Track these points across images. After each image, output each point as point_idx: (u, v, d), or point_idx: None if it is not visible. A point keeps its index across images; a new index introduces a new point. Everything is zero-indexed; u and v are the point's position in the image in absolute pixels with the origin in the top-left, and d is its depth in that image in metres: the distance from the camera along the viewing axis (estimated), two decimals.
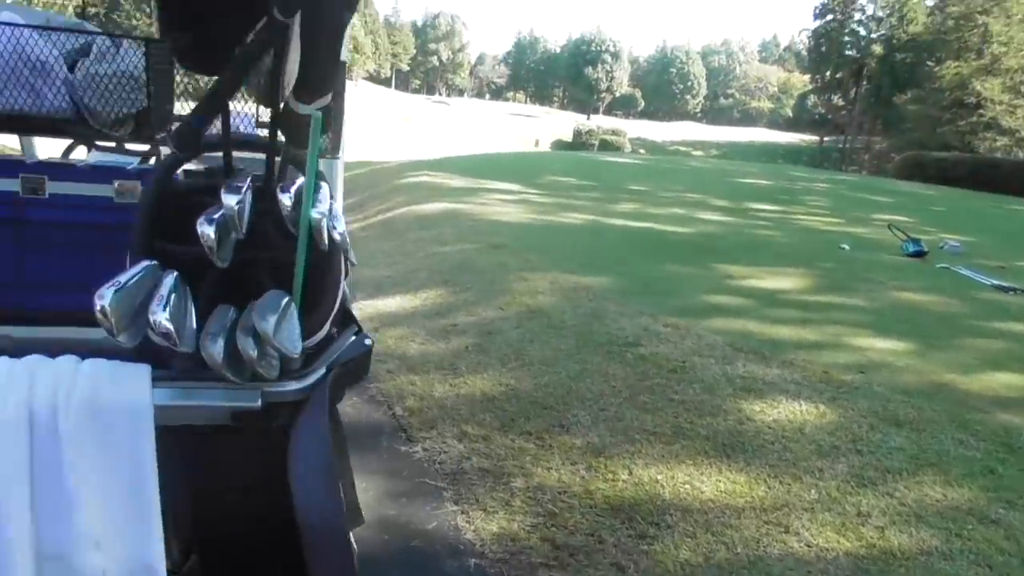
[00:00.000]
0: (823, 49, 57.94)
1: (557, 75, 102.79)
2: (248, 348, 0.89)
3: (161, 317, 0.84)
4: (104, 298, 0.83)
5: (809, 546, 2.62)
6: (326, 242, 0.97)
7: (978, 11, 38.27)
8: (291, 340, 0.91)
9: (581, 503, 2.88)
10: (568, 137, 54.52)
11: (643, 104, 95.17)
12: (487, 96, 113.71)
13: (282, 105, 0.96)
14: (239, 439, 1.17)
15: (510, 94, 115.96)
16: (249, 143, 1.08)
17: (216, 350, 0.88)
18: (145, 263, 0.92)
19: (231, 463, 1.25)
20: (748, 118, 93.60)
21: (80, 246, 1.56)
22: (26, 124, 1.48)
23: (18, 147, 3.25)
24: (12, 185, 1.52)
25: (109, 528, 0.92)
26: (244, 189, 0.90)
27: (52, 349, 1.00)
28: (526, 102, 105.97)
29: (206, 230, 0.84)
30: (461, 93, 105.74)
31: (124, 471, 0.91)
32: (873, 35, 54.89)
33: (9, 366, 0.90)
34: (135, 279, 0.88)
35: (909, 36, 49.84)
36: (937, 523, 2.79)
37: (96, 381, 0.91)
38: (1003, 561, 2.58)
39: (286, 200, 0.92)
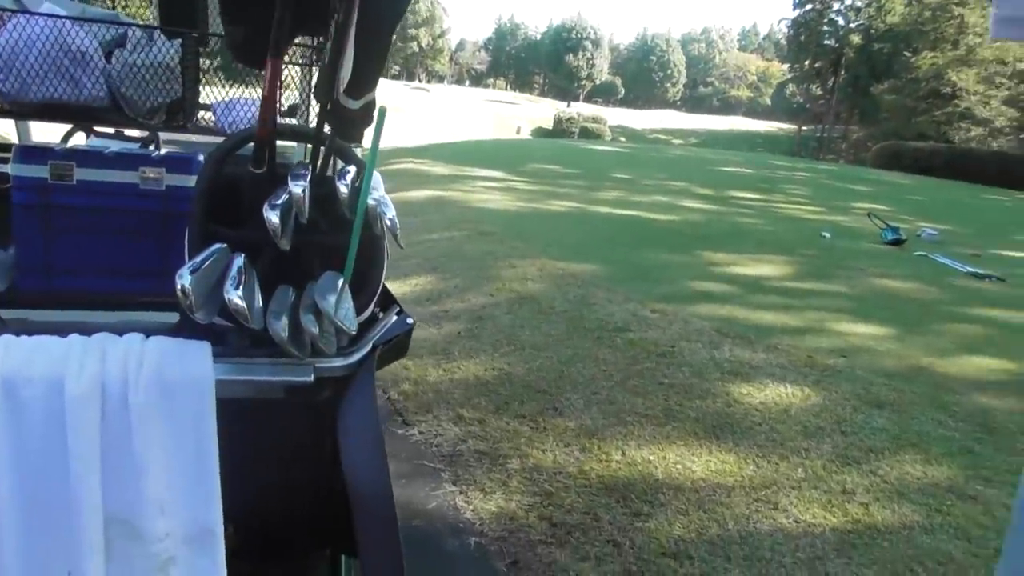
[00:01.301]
0: (802, 38, 58.14)
1: (537, 62, 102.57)
2: (310, 325, 0.95)
3: (235, 296, 0.90)
4: (183, 278, 0.89)
5: (797, 522, 2.73)
6: (380, 227, 1.04)
7: (954, 2, 38.66)
8: (348, 318, 0.98)
9: (576, 483, 2.96)
10: (549, 124, 54.45)
11: (623, 92, 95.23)
12: (467, 83, 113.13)
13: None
14: (279, 413, 1.23)
15: (490, 81, 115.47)
16: (298, 134, 1.13)
17: (281, 327, 0.94)
18: (217, 245, 0.97)
19: (270, 436, 1.31)
20: (727, 106, 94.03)
21: (106, 231, 1.60)
22: (64, 112, 1.52)
23: (7, 134, 3.26)
24: (41, 172, 1.55)
25: (173, 494, 0.97)
26: (307, 177, 0.96)
27: (77, 331, 1.05)
28: (507, 89, 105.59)
29: (271, 216, 0.89)
30: (441, 79, 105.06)
31: (187, 441, 0.97)
32: (851, 25, 55.21)
33: (83, 343, 0.95)
34: (209, 260, 0.94)
35: (887, 26, 50.13)
36: (918, 499, 2.91)
37: (163, 356, 0.96)
38: (981, 535, 2.70)
39: (343, 188, 0.99)
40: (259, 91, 1.78)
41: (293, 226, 0.94)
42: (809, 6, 57.45)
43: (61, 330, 1.00)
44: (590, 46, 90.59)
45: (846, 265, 7.21)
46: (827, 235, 9.00)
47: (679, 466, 3.09)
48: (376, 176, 1.06)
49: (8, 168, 1.57)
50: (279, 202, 0.92)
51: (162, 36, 1.53)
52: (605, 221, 8.91)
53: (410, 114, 47.86)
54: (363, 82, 0.95)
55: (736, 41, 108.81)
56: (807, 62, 59.04)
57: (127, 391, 0.94)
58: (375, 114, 0.97)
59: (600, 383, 3.86)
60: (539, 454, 3.17)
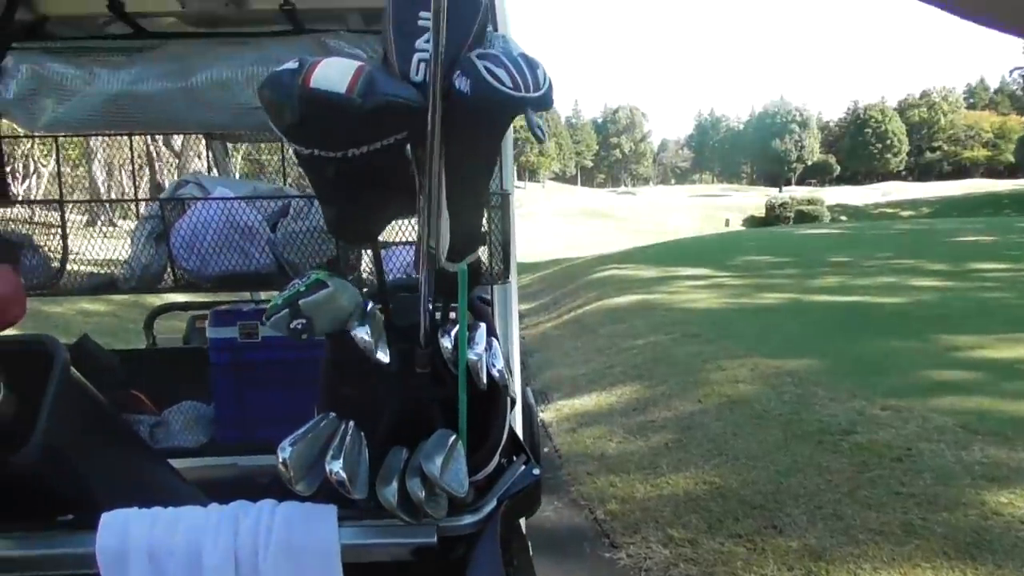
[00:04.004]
0: None
1: (743, 151, 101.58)
2: (416, 490, 0.94)
3: (336, 466, 0.92)
4: (284, 451, 0.92)
5: None
6: (484, 381, 1.02)
7: None
8: (457, 480, 0.95)
9: None
10: (760, 212, 52.85)
11: (839, 169, 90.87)
12: (672, 181, 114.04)
13: None
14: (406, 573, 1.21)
15: (696, 176, 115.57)
16: (408, 288, 1.17)
17: (390, 494, 0.94)
18: (323, 415, 1.01)
19: None
20: (960, 170, 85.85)
21: (289, 381, 1.74)
22: (237, 282, 1.71)
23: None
24: (232, 332, 1.74)
25: None
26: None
27: (269, 473, 1.10)
28: (713, 182, 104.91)
29: (359, 333, 0.92)
30: (646, 181, 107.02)
31: None
32: None
33: (219, 513, 1.02)
34: (313, 431, 0.97)
35: None
36: None
37: (290, 523, 1.00)
38: None
39: (447, 343, 0.99)
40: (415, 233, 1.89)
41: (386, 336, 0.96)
42: None
43: (248, 475, 1.06)
44: (797, 128, 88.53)
45: None
46: None
47: None
48: (481, 328, 1.06)
49: (207, 330, 1.78)
50: (366, 319, 0.96)
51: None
52: (822, 310, 8.31)
53: (617, 219, 48.77)
54: (461, 249, 0.97)
55: (962, 100, 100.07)
56: None
57: (257, 559, 0.97)
58: (459, 271, 0.99)
59: (825, 495, 3.49)
60: None
